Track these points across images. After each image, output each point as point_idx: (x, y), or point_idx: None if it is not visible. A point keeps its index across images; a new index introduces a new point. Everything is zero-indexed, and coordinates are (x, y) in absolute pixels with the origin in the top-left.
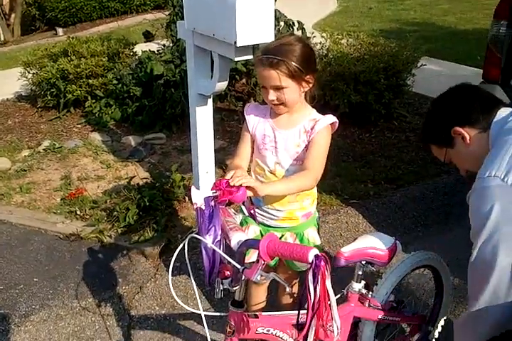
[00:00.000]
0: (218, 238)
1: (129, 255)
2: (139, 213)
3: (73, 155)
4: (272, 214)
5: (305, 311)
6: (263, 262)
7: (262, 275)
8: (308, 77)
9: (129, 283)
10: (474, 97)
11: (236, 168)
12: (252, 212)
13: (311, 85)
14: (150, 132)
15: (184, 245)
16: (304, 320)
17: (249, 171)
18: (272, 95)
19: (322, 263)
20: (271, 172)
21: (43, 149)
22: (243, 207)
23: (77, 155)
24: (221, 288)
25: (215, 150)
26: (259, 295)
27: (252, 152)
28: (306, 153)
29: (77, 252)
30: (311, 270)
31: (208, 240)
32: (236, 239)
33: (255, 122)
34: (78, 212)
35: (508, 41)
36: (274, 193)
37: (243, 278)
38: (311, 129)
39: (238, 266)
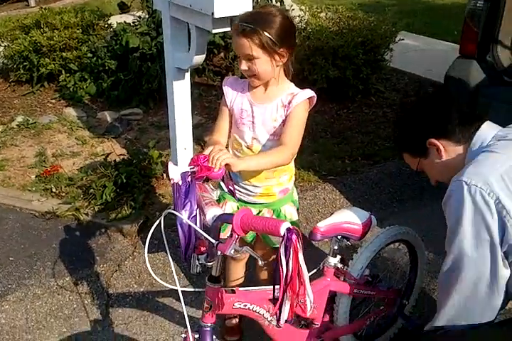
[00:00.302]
0: (194, 213)
1: (107, 233)
2: (116, 190)
3: (47, 131)
4: (249, 190)
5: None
6: (237, 236)
7: (235, 250)
8: (282, 50)
9: (107, 261)
10: (453, 109)
11: (215, 143)
12: (230, 188)
13: (285, 59)
14: (126, 107)
15: (160, 221)
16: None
17: (227, 147)
18: (244, 65)
19: (294, 236)
20: (248, 148)
21: (16, 125)
22: (222, 183)
23: (51, 131)
24: (197, 264)
25: (193, 126)
26: (238, 271)
27: (231, 127)
28: (283, 128)
29: (54, 230)
30: (283, 243)
31: (183, 215)
32: (211, 213)
33: (233, 96)
34: (54, 190)
35: (484, 15)
36: (249, 168)
37: (219, 253)
38: (289, 104)
39: (213, 241)
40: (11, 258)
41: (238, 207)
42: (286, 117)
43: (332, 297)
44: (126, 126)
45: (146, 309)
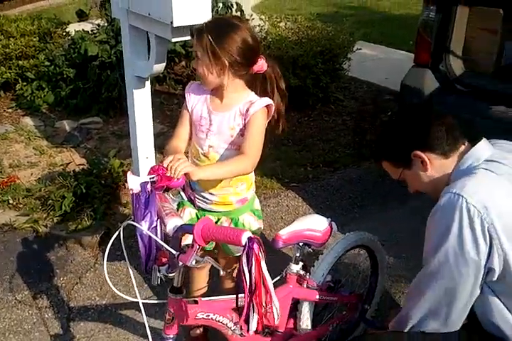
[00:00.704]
0: (154, 224)
1: (67, 245)
2: (76, 201)
3: (4, 141)
4: (206, 198)
5: (243, 295)
6: (198, 246)
7: (197, 260)
8: (223, 59)
9: (67, 273)
10: (441, 122)
11: (174, 149)
12: (190, 196)
13: (231, 71)
14: (86, 116)
15: (120, 233)
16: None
17: (187, 153)
18: (194, 62)
19: (255, 245)
20: (204, 155)
21: None
22: (181, 192)
23: (8, 141)
24: (158, 275)
25: (154, 134)
26: (201, 281)
27: (191, 133)
28: (243, 138)
29: (11, 243)
30: (245, 252)
31: (143, 226)
32: (172, 224)
33: (194, 102)
34: (11, 201)
35: (436, 26)
36: (208, 177)
37: (180, 264)
38: (246, 112)
39: (173, 252)
40: None
41: (197, 214)
42: (244, 126)
43: (295, 304)
44: (85, 135)
45: (108, 322)
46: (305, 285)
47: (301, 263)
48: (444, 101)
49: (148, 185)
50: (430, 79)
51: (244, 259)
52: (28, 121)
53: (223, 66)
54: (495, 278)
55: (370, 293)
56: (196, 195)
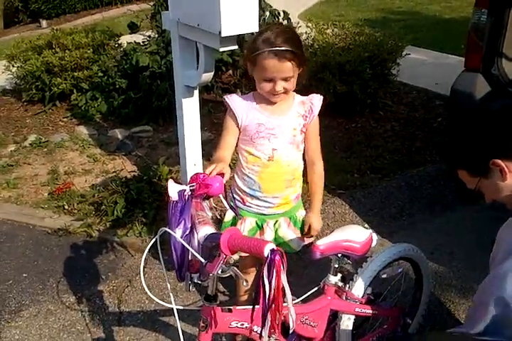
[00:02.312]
0: (187, 232)
1: (118, 249)
2: (127, 207)
3: (60, 150)
4: (268, 202)
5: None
6: (224, 256)
7: (222, 270)
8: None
9: (119, 277)
10: None
11: (219, 160)
12: (232, 205)
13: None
14: (137, 125)
15: (156, 239)
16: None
17: (232, 164)
18: (280, 86)
19: (277, 257)
20: (269, 160)
21: (29, 144)
22: (224, 201)
23: (63, 150)
24: (189, 282)
25: (202, 142)
26: (245, 288)
27: (236, 145)
28: (308, 139)
29: (66, 247)
30: (266, 264)
31: (176, 234)
32: (203, 232)
33: (244, 113)
34: (66, 207)
35: (488, 29)
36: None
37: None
38: (311, 111)
39: (202, 260)
40: (24, 275)
41: (257, 222)
42: (304, 126)
43: (334, 315)
44: (136, 143)
45: (157, 325)
46: (344, 298)
47: (339, 275)
48: (496, 106)
49: (186, 193)
50: (481, 84)
51: (265, 271)
52: (82, 130)
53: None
54: None
55: (414, 307)
56: (257, 202)
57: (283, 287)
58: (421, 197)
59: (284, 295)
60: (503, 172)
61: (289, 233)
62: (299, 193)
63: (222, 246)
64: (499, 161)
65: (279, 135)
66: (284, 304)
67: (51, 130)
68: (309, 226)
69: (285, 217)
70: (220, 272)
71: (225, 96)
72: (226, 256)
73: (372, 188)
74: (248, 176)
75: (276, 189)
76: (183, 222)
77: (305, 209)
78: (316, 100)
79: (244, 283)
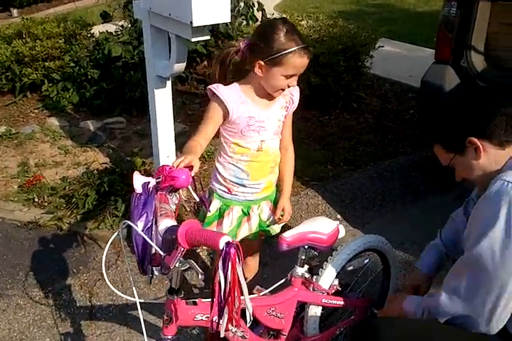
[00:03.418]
0: (149, 224)
1: (89, 242)
2: (99, 199)
3: (30, 141)
4: (254, 188)
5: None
6: (182, 249)
7: (180, 263)
8: None
9: (90, 270)
10: (502, 112)
11: (191, 149)
12: (202, 197)
13: None
14: (109, 116)
15: (119, 232)
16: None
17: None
18: (295, 82)
19: (232, 250)
20: (257, 150)
21: None
22: (193, 193)
23: (34, 141)
24: (150, 275)
25: (176, 133)
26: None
27: (216, 136)
28: (284, 132)
29: (36, 240)
30: (221, 257)
31: (138, 226)
32: (163, 225)
33: (235, 106)
34: (36, 200)
35: (457, 22)
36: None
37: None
38: (292, 103)
39: (161, 253)
40: None
41: (243, 210)
42: (285, 117)
43: (302, 307)
44: (109, 135)
45: (129, 318)
46: (311, 289)
47: (306, 266)
48: None
49: (151, 186)
50: (451, 76)
51: (220, 264)
52: (53, 121)
53: None
54: None
55: (381, 298)
56: (243, 189)
57: (239, 279)
58: (393, 188)
59: (241, 287)
60: (477, 151)
61: (271, 215)
62: (277, 176)
63: (179, 238)
64: (475, 140)
65: (268, 127)
66: (249, 296)
67: (21, 121)
68: (283, 210)
69: (266, 201)
70: (177, 265)
71: (210, 86)
72: (184, 248)
73: (344, 179)
74: (236, 166)
75: (262, 176)
76: (145, 214)
77: None
78: (295, 91)
79: (200, 276)
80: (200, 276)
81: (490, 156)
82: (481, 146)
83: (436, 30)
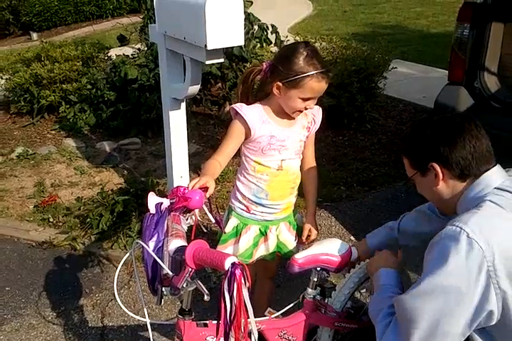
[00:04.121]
0: (160, 244)
1: (103, 262)
2: (113, 219)
3: (47, 162)
4: (273, 208)
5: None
6: (190, 269)
7: (187, 283)
8: None
9: (103, 290)
10: (473, 146)
11: (209, 168)
12: (217, 218)
13: None
14: (125, 137)
15: (131, 252)
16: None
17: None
18: (313, 104)
19: (238, 271)
20: (278, 169)
21: (16, 156)
22: (209, 214)
23: (50, 162)
24: (160, 296)
25: (190, 154)
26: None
27: (237, 154)
28: (307, 151)
29: (50, 260)
30: (227, 278)
31: (149, 246)
32: (173, 245)
33: (257, 125)
34: (51, 220)
35: (471, 43)
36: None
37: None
38: (314, 123)
39: (170, 273)
40: (7, 288)
41: (260, 229)
42: (307, 137)
43: (314, 330)
44: (124, 156)
45: (141, 338)
46: (323, 311)
47: (318, 289)
48: (478, 119)
49: (163, 206)
50: (465, 97)
51: (225, 285)
52: (70, 142)
53: None
54: (493, 322)
55: None
56: (260, 209)
57: (245, 302)
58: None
59: (247, 309)
60: (437, 178)
61: (290, 237)
62: (296, 195)
63: (187, 259)
64: (437, 167)
65: (289, 146)
66: (261, 319)
67: (39, 142)
68: (309, 230)
69: (285, 222)
70: (185, 285)
71: (234, 106)
72: (192, 269)
73: (358, 201)
74: (256, 184)
75: (281, 196)
76: (156, 234)
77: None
78: (318, 112)
79: (206, 297)
80: (206, 297)
81: (448, 185)
82: (440, 174)
83: (449, 51)
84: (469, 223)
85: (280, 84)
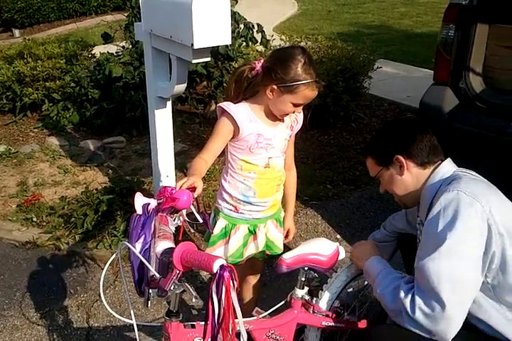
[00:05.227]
0: (147, 246)
1: (87, 262)
2: (98, 219)
3: (30, 161)
4: (261, 206)
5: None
6: (177, 272)
7: (175, 285)
8: None
9: (88, 290)
10: (428, 138)
11: (201, 163)
12: (205, 218)
13: None
14: (109, 136)
15: (118, 253)
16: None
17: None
18: (300, 109)
19: (226, 273)
20: (265, 167)
21: None
22: (196, 214)
23: (33, 161)
24: (147, 298)
25: (176, 153)
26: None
27: (222, 153)
28: (288, 151)
29: (34, 260)
30: (215, 281)
31: (136, 248)
32: (161, 247)
33: (245, 124)
34: (34, 219)
35: (456, 43)
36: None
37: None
38: (297, 123)
39: (157, 275)
40: None
41: (249, 228)
42: (290, 136)
43: (302, 329)
44: (109, 155)
45: (127, 339)
46: (311, 311)
47: (306, 288)
48: (464, 119)
49: (151, 207)
50: (450, 97)
51: (213, 287)
52: (53, 141)
53: None
54: (494, 266)
55: (382, 320)
56: (248, 207)
57: (233, 304)
58: (393, 209)
59: (235, 311)
60: (401, 168)
61: (277, 234)
62: (282, 193)
63: (174, 261)
64: (402, 158)
65: (276, 145)
66: (249, 319)
67: (21, 141)
68: (288, 230)
69: (272, 219)
70: (172, 288)
71: (221, 104)
72: (179, 271)
73: (344, 199)
74: (243, 183)
75: (268, 194)
76: (143, 236)
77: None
78: (300, 115)
79: (194, 300)
80: (194, 300)
81: (412, 174)
82: (405, 164)
83: (434, 51)
84: (460, 186)
85: (275, 87)
